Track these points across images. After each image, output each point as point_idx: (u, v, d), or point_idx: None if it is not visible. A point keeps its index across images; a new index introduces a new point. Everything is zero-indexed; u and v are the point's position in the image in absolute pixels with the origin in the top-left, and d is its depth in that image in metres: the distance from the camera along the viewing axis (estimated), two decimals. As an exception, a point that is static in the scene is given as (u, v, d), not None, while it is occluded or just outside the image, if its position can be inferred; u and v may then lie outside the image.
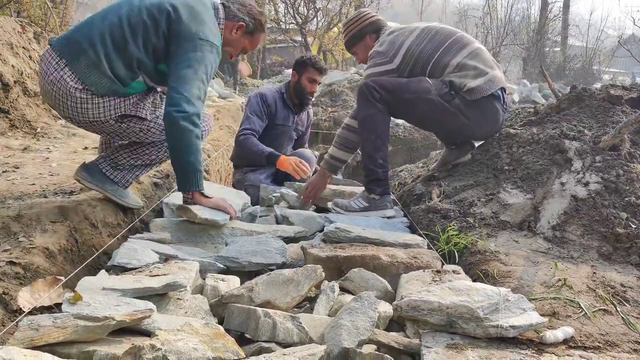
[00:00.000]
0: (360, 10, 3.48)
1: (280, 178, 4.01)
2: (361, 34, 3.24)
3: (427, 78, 2.94)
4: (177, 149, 2.27)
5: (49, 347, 1.32)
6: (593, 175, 2.45)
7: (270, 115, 3.99)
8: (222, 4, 2.57)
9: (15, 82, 4.67)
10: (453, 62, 2.94)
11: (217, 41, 2.40)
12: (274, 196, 3.22)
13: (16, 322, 1.42)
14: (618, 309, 1.69)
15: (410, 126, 7.35)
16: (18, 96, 4.67)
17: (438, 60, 2.97)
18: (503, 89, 2.99)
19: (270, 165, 3.80)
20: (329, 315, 1.72)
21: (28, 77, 4.85)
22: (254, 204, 3.20)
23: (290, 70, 16.45)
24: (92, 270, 2.04)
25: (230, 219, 2.47)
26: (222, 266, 2.04)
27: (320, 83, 4.15)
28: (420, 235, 2.46)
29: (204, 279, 1.91)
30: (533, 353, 1.40)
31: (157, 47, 2.32)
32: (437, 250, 2.26)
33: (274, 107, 4.00)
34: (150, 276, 1.79)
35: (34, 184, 2.75)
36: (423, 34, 3.05)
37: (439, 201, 2.74)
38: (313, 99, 4.34)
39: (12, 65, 4.72)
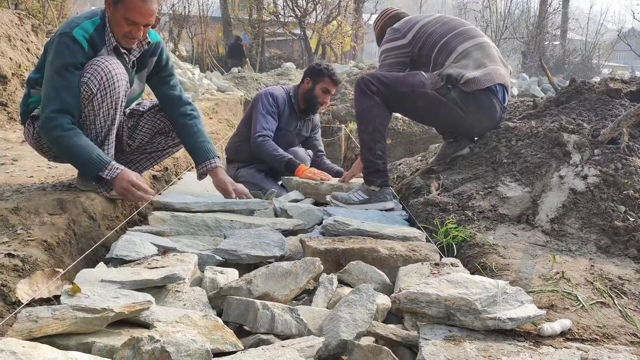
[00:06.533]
0: (383, 8, 3.65)
1: (275, 173, 3.99)
2: (385, 29, 3.34)
3: (423, 72, 2.96)
4: (59, 153, 2.50)
5: (47, 339, 1.32)
6: (592, 168, 2.45)
7: (278, 116, 3.94)
8: None
9: (13, 74, 4.67)
10: (459, 48, 2.99)
11: (68, 28, 2.42)
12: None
13: (15, 314, 1.42)
14: (616, 301, 1.70)
15: (409, 120, 7.34)
16: (16, 89, 4.67)
17: (446, 43, 3.02)
18: (504, 87, 2.98)
19: (288, 173, 3.67)
20: (327, 308, 1.73)
21: (26, 69, 4.84)
22: None
23: (289, 64, 16.64)
24: (91, 263, 2.04)
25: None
26: (220, 259, 2.04)
27: (332, 94, 4.05)
28: (418, 228, 2.47)
29: (203, 272, 1.92)
30: (530, 345, 1.40)
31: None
32: (435, 243, 2.26)
33: (282, 107, 3.94)
34: (149, 268, 1.79)
35: (32, 177, 2.75)
36: (438, 19, 3.19)
37: (438, 194, 2.74)
38: (323, 110, 4.28)
39: (10, 58, 4.71)
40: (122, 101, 2.48)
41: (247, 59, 18.11)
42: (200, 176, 2.84)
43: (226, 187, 2.77)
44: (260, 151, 3.80)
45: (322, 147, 4.36)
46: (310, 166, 3.91)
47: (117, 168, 2.35)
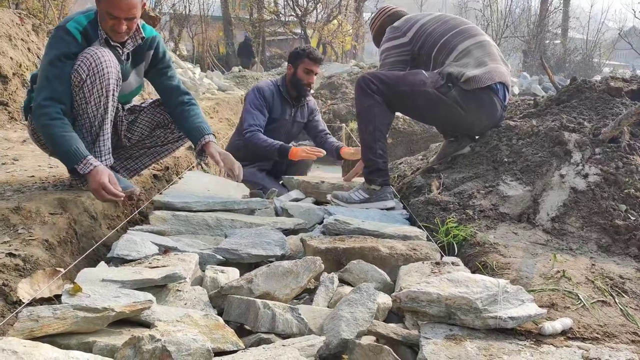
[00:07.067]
0: (381, 6, 3.61)
1: (277, 172, 4.00)
2: (383, 27, 3.33)
3: (423, 71, 2.95)
4: (46, 142, 2.51)
5: (48, 338, 1.32)
6: (592, 167, 2.45)
7: (268, 109, 3.98)
8: None
9: (14, 74, 4.67)
10: (460, 46, 2.98)
11: (63, 22, 2.49)
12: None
13: (16, 313, 1.42)
14: (616, 300, 1.70)
15: (410, 119, 7.35)
16: (17, 88, 4.67)
17: (446, 42, 3.02)
18: (505, 86, 2.98)
19: (282, 158, 3.78)
20: (328, 307, 1.73)
21: (27, 69, 4.84)
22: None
23: (289, 63, 16.80)
24: (92, 262, 2.04)
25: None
26: (221, 258, 2.04)
27: (317, 74, 4.08)
28: (419, 227, 2.46)
29: (204, 271, 1.92)
30: (531, 344, 1.40)
31: None
32: (436, 242, 2.26)
33: (271, 100, 3.98)
34: (150, 268, 1.79)
35: (33, 176, 2.75)
36: (437, 18, 3.17)
37: (439, 193, 2.74)
38: (312, 91, 4.28)
39: (11, 57, 4.71)
40: (113, 89, 2.47)
41: (257, 59, 18.45)
42: (199, 155, 2.84)
43: (214, 158, 2.74)
44: (251, 145, 3.86)
45: (324, 127, 4.34)
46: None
47: (91, 164, 2.32)
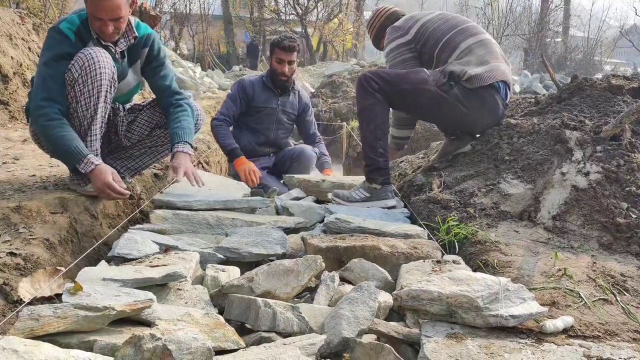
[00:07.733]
0: (377, 7, 3.65)
1: (278, 171, 4.01)
2: (383, 29, 3.33)
3: (425, 69, 2.95)
4: (45, 143, 2.52)
5: (49, 337, 1.32)
6: (594, 165, 2.44)
7: (248, 99, 4.04)
8: None
9: (14, 73, 4.67)
10: (462, 45, 2.98)
11: (56, 23, 2.51)
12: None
13: (17, 312, 1.42)
14: (618, 298, 1.69)
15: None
16: (17, 87, 4.67)
17: (448, 40, 3.02)
18: (506, 84, 2.97)
19: (229, 161, 3.98)
20: (329, 306, 1.73)
21: (27, 68, 4.84)
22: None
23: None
24: (92, 261, 2.04)
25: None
26: (222, 257, 2.04)
27: (291, 63, 4.05)
28: (420, 225, 2.46)
29: (204, 270, 1.92)
30: (533, 342, 1.40)
31: None
32: (437, 241, 2.26)
33: (250, 90, 4.04)
34: (151, 267, 1.79)
35: (34, 175, 2.75)
36: (439, 16, 3.18)
37: (440, 192, 2.73)
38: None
39: (11, 57, 4.71)
40: (106, 90, 2.44)
41: (264, 58, 18.74)
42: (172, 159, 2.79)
43: (170, 170, 2.67)
44: (213, 133, 4.05)
45: (313, 129, 4.41)
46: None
47: (93, 162, 2.32)
